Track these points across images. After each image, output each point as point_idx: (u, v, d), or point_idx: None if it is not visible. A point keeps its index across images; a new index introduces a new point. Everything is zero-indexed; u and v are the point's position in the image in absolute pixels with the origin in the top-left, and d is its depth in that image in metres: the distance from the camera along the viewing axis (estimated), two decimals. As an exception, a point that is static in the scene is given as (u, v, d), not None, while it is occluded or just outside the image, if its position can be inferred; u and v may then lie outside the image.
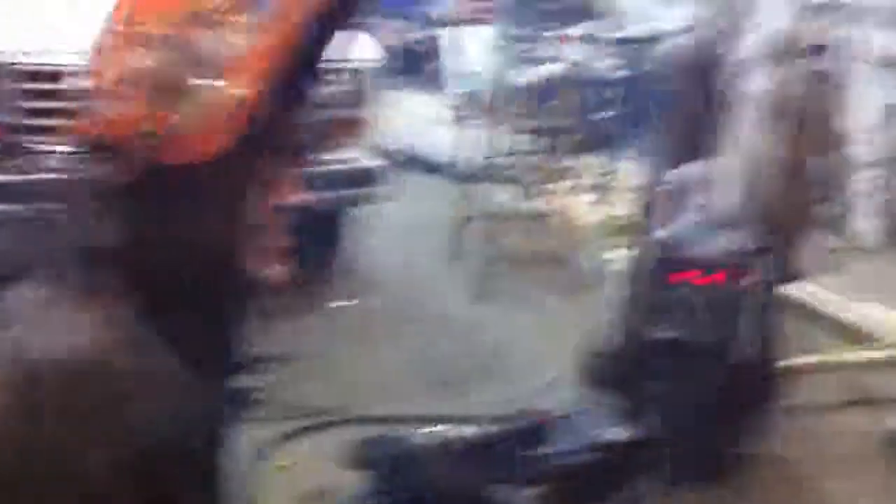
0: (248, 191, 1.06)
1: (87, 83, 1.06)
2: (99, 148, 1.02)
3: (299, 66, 1.07)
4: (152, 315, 1.02)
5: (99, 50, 1.03)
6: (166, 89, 0.98)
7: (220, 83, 0.99)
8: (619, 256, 4.89)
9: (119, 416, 0.94)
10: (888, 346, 4.17)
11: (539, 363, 3.84)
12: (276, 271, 1.12)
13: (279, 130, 1.09)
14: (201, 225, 1.04)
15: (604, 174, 6.33)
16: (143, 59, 0.99)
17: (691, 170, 3.55)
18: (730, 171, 3.43)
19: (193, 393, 1.04)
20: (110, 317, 1.00)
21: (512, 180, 5.44)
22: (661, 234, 3.34)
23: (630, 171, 6.45)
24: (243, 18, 1.00)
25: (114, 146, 1.01)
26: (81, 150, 1.04)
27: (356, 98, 4.21)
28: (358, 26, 4.73)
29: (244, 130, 0.99)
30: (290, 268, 1.13)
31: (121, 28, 1.02)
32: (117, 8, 1.03)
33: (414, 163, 6.85)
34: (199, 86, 0.99)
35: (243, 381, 3.23)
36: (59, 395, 0.94)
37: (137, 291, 1.01)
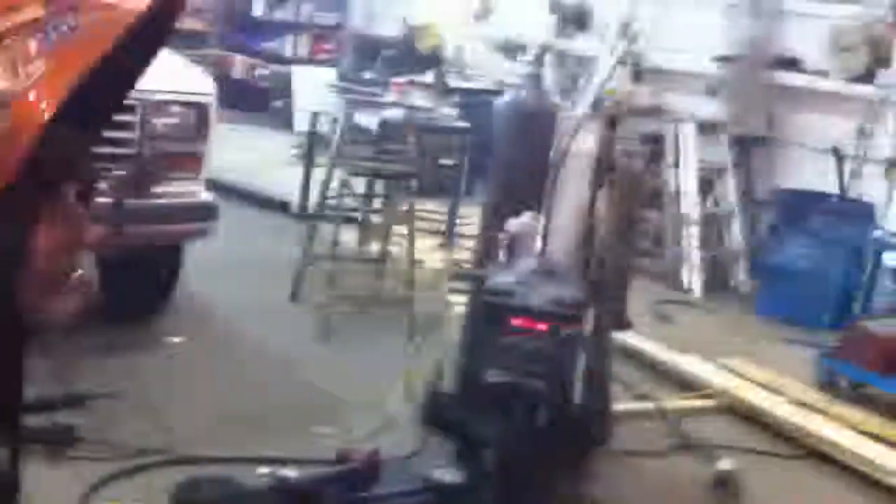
0: (34, 222, 1.01)
1: None
2: None
3: (97, 92, 1.02)
4: None
5: None
6: None
7: (5, 106, 0.94)
8: (458, 300, 4.99)
9: None
10: (710, 394, 4.41)
11: (376, 405, 3.85)
12: (68, 306, 1.07)
13: (72, 159, 1.04)
14: None
15: (445, 220, 6.47)
16: None
17: (524, 220, 3.68)
18: (561, 223, 3.56)
19: None
20: None
21: (354, 221, 5.46)
22: (495, 280, 3.43)
23: (470, 217, 6.61)
24: (32, 46, 0.95)
25: None
26: None
27: (190, 131, 4.15)
28: (190, 60, 4.69)
29: (32, 157, 0.94)
30: (88, 303, 1.08)
31: None
32: None
33: (254, 200, 6.77)
34: None
35: (60, 418, 3.10)
36: None
37: None
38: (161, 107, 3.96)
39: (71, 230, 1.00)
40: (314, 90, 8.32)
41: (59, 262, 1.01)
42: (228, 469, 2.70)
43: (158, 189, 4.01)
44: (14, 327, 1.02)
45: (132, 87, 1.12)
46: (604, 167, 3.64)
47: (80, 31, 0.92)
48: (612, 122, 3.60)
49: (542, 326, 3.24)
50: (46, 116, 0.90)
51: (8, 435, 1.07)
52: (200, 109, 4.10)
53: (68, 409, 2.87)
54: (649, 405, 4.19)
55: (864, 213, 5.78)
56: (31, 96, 0.90)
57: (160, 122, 3.96)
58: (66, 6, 0.94)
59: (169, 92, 3.96)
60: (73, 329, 1.14)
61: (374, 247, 5.37)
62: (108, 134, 3.30)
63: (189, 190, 4.12)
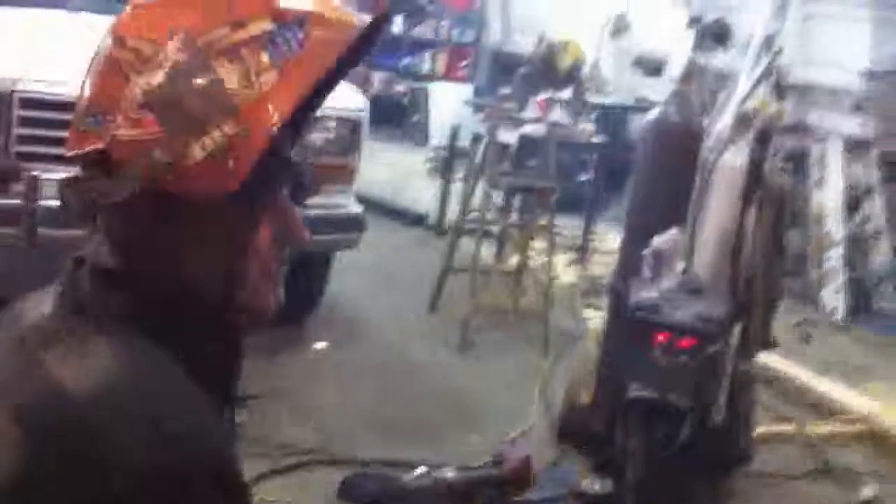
0: (254, 225, 1.10)
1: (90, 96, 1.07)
2: (98, 166, 1.05)
3: (309, 108, 1.11)
4: (158, 340, 1.06)
5: (106, 63, 1.06)
6: (185, 118, 1.02)
7: (237, 118, 1.03)
8: (594, 315, 5.01)
9: (150, 433, 0.99)
10: (852, 419, 4.29)
11: (513, 415, 3.92)
12: (271, 305, 1.16)
13: (286, 168, 1.13)
14: (203, 254, 1.08)
15: (581, 235, 6.49)
16: (164, 83, 1.03)
17: (668, 237, 3.68)
18: (705, 241, 3.55)
19: (217, 414, 1.09)
20: (127, 340, 1.05)
21: (490, 236, 5.55)
22: (638, 297, 3.44)
23: (606, 233, 6.62)
24: (264, 57, 1.04)
25: (116, 167, 1.04)
26: (81, 167, 1.07)
27: (343, 145, 4.32)
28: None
29: (256, 168, 1.04)
30: (280, 303, 1.17)
31: (133, 44, 1.05)
32: (127, 22, 1.06)
33: (392, 212, 6.95)
34: (218, 118, 1.03)
35: (231, 415, 3.27)
36: (94, 416, 0.98)
37: (142, 316, 1.06)
38: (318, 121, 4.13)
39: (288, 228, 1.10)
40: (450, 106, 8.48)
41: (276, 259, 1.11)
42: (384, 469, 2.83)
43: (312, 200, 4.15)
44: (233, 320, 1.11)
45: (327, 98, 1.20)
46: (754, 183, 3.60)
47: (309, 46, 1.01)
48: (763, 138, 3.56)
49: (687, 343, 3.24)
50: (277, 124, 0.99)
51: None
52: (353, 124, 4.27)
53: (231, 407, 3.02)
54: (790, 428, 4.12)
55: None
56: (263, 105, 0.99)
57: (316, 135, 4.14)
58: (294, 22, 1.02)
59: (325, 107, 4.12)
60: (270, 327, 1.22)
61: (511, 260, 5.44)
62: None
63: (340, 202, 4.28)
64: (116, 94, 0.99)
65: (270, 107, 0.99)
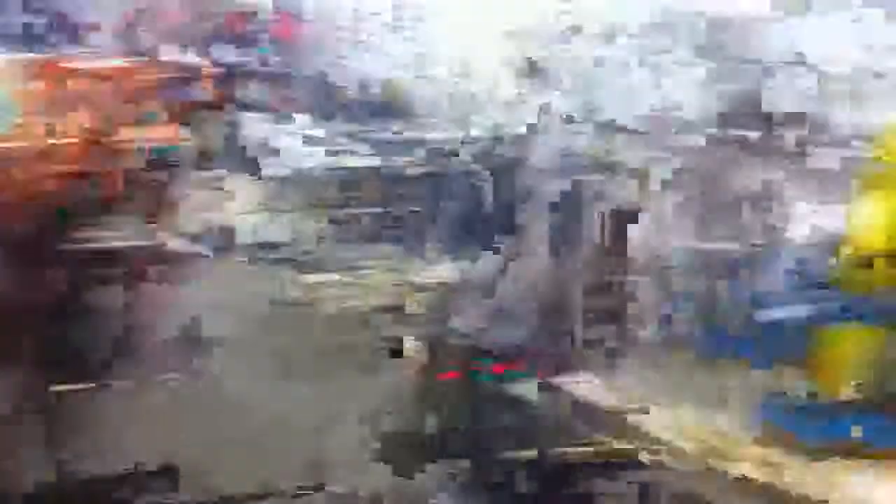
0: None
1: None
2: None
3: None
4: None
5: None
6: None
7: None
8: (407, 344, 5.09)
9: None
10: (654, 441, 4.53)
11: (331, 441, 3.98)
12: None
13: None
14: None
15: (397, 264, 6.57)
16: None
17: (481, 266, 3.90)
18: (516, 270, 3.79)
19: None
20: None
21: (314, 265, 5.58)
22: (450, 324, 3.64)
23: (420, 262, 6.72)
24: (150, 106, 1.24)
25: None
26: None
27: (168, 179, 4.31)
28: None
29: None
30: None
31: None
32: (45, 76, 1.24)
33: (226, 244, 6.89)
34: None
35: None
36: None
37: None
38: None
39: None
40: (279, 138, 8.37)
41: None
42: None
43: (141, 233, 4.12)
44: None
45: None
46: (564, 218, 3.85)
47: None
48: (578, 181, 3.81)
49: (490, 368, 3.44)
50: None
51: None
52: (176, 156, 4.25)
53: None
54: (592, 449, 4.33)
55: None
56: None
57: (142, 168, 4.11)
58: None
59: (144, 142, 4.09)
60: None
61: (332, 289, 5.45)
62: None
63: (167, 234, 4.24)
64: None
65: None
